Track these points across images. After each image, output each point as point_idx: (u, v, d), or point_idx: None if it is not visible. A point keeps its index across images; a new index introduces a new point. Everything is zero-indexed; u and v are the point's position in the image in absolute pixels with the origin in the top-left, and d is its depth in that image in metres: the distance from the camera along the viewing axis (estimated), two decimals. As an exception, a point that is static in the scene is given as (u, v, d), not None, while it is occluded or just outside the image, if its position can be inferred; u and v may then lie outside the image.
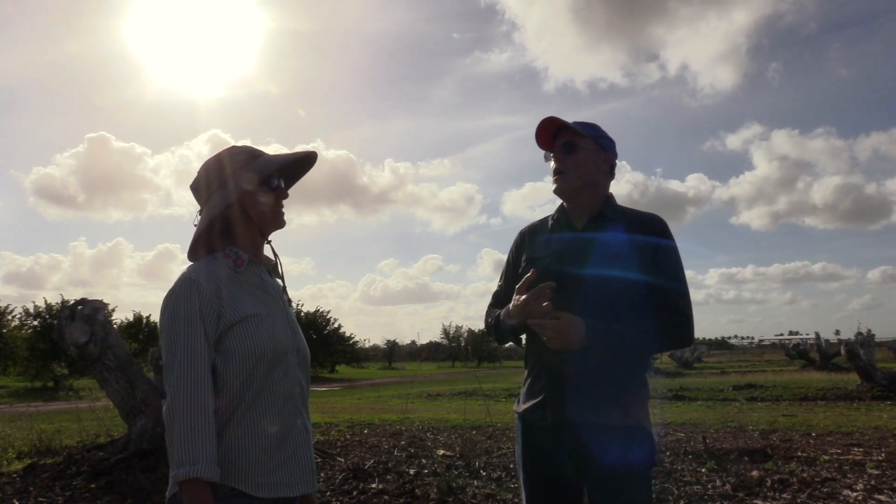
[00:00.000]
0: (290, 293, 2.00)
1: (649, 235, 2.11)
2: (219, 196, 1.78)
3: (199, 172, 1.85)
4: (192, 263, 1.79)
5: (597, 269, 2.08)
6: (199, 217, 1.82)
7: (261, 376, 1.69)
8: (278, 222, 1.86)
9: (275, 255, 1.92)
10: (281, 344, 1.74)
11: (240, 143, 1.88)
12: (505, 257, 2.43)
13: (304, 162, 1.95)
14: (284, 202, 1.87)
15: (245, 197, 1.79)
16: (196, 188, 1.85)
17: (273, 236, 1.89)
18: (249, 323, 1.70)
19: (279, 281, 1.92)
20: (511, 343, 2.33)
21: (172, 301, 1.67)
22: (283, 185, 1.86)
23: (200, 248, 1.81)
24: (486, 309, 2.38)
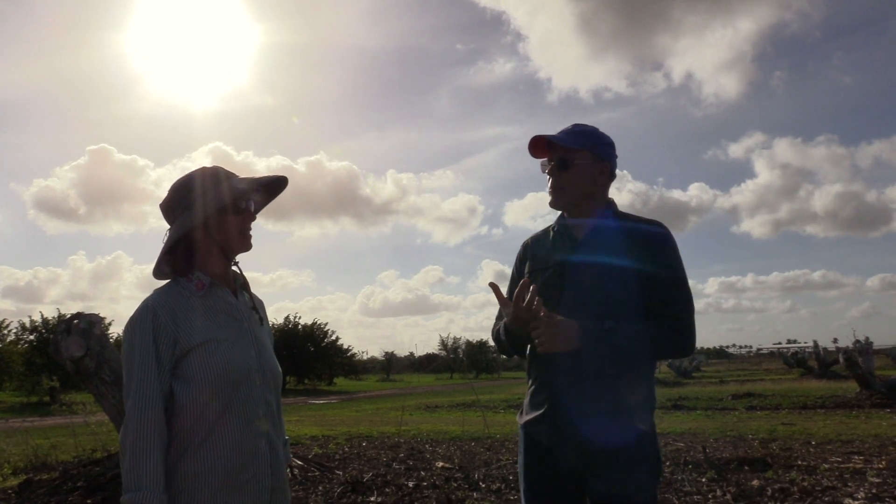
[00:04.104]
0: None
1: (651, 243, 2.09)
2: (184, 217, 1.79)
3: (168, 192, 1.86)
4: (153, 290, 1.81)
5: (597, 278, 2.07)
6: (166, 237, 1.82)
7: (221, 400, 1.71)
8: (244, 245, 1.86)
9: (242, 276, 1.92)
10: (240, 367, 1.75)
11: (209, 165, 1.89)
12: (506, 268, 2.43)
13: (274, 185, 1.95)
14: (253, 223, 1.88)
15: (210, 219, 1.79)
16: (164, 208, 1.86)
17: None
18: (206, 348, 1.72)
19: (250, 300, 1.92)
20: (516, 356, 2.32)
21: (129, 329, 1.71)
22: (251, 208, 1.86)
23: (165, 268, 1.82)
24: (493, 322, 2.37)
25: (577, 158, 2.15)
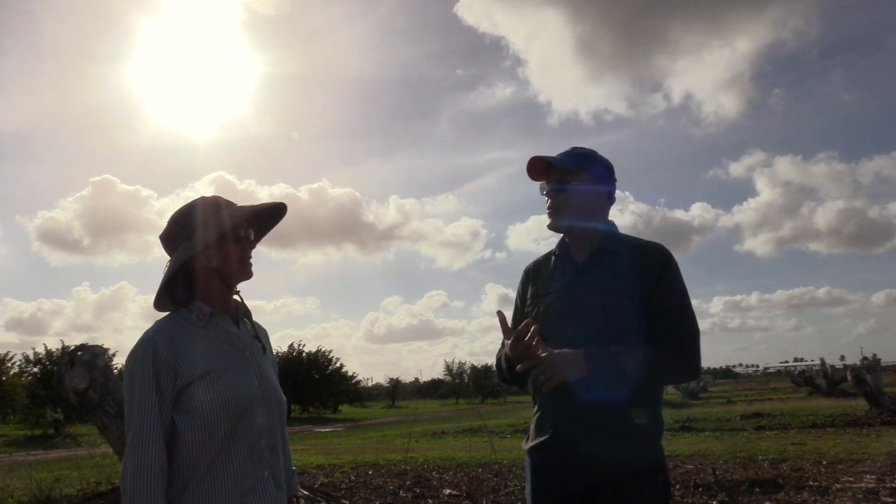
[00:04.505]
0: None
1: (652, 266, 2.07)
2: (184, 247, 1.79)
3: (167, 223, 1.86)
4: (154, 322, 1.80)
5: (599, 302, 2.05)
6: (166, 267, 1.82)
7: (223, 431, 1.69)
8: (245, 273, 1.85)
9: (243, 305, 1.91)
10: (243, 397, 1.74)
11: (209, 195, 1.89)
12: (509, 292, 2.43)
13: (274, 212, 1.95)
14: (253, 252, 1.88)
15: (211, 248, 1.79)
16: (164, 239, 1.85)
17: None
18: (208, 379, 1.70)
19: (252, 329, 1.91)
20: (516, 386, 2.31)
21: (130, 362, 1.70)
22: (251, 237, 1.86)
23: (165, 299, 1.81)
24: (497, 346, 2.36)
25: (575, 180, 2.15)
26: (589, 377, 1.94)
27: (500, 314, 2.14)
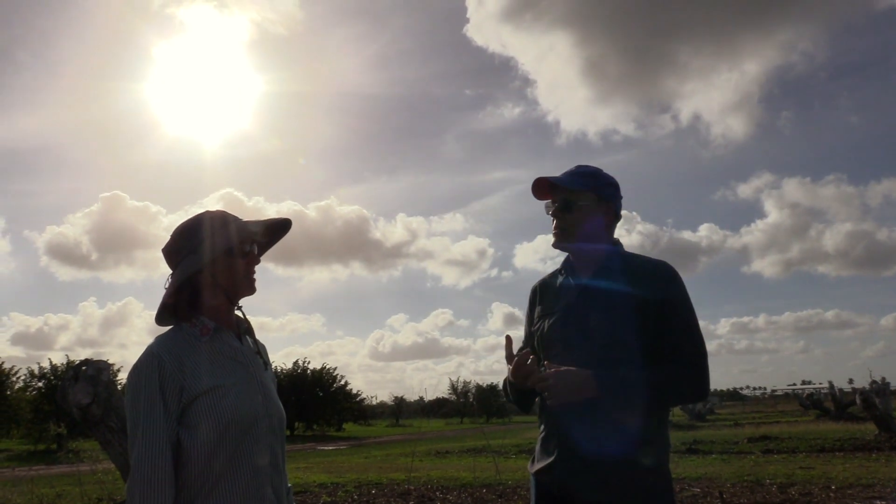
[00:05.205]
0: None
1: (657, 284, 2.05)
2: (188, 261, 1.78)
3: (171, 237, 1.85)
4: (157, 336, 1.78)
5: (604, 321, 2.04)
6: (169, 281, 1.81)
7: (228, 447, 1.67)
8: (249, 289, 1.85)
9: (246, 320, 1.90)
10: (248, 413, 1.72)
11: (214, 209, 1.88)
12: (515, 311, 2.44)
13: (279, 228, 1.95)
14: (257, 267, 1.86)
15: (215, 263, 1.78)
16: (168, 252, 1.84)
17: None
18: (213, 395, 1.69)
19: (253, 345, 1.90)
20: (520, 409, 2.32)
21: (134, 376, 1.68)
22: (255, 251, 1.86)
23: (167, 314, 1.80)
24: (504, 365, 2.36)
25: (580, 200, 2.15)
26: (593, 400, 1.93)
27: (508, 339, 2.16)
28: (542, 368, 2.06)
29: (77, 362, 6.32)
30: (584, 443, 1.99)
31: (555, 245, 2.21)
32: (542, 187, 2.23)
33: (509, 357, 2.14)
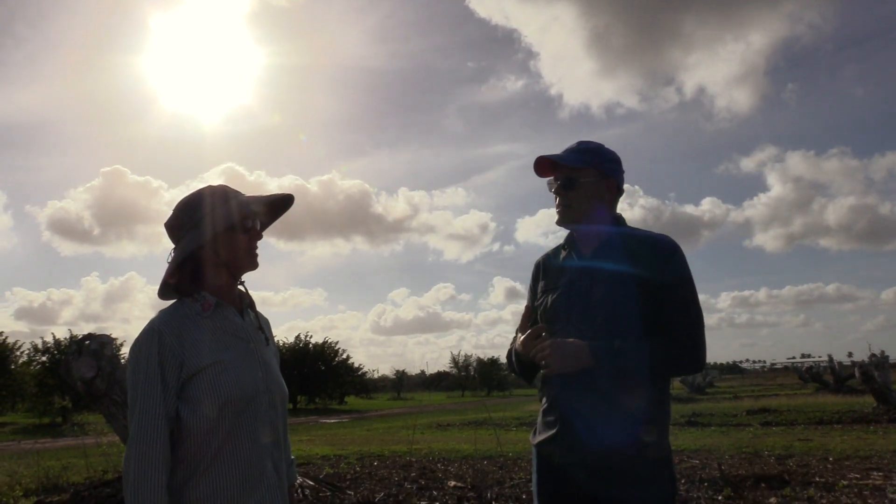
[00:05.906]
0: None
1: (658, 258, 2.06)
2: (191, 236, 1.77)
3: (172, 212, 1.84)
4: (158, 311, 1.79)
5: (605, 295, 2.05)
6: (171, 256, 1.80)
7: (227, 422, 1.68)
8: (252, 264, 1.84)
9: (248, 295, 1.90)
10: (248, 388, 1.73)
11: (216, 184, 1.88)
12: (517, 285, 2.46)
13: (281, 203, 1.94)
14: (259, 242, 1.86)
15: (219, 237, 1.77)
16: (170, 227, 1.83)
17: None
18: (213, 370, 1.69)
19: (255, 319, 1.90)
20: (524, 380, 2.35)
21: (135, 351, 1.68)
22: (257, 227, 1.85)
23: (170, 288, 1.80)
24: (506, 338, 2.39)
25: (582, 176, 2.15)
26: (591, 370, 1.95)
27: (527, 308, 2.22)
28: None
29: (80, 337, 6.34)
30: (584, 428, 2.01)
31: (559, 223, 2.22)
32: (544, 165, 2.22)
33: (523, 327, 2.16)
